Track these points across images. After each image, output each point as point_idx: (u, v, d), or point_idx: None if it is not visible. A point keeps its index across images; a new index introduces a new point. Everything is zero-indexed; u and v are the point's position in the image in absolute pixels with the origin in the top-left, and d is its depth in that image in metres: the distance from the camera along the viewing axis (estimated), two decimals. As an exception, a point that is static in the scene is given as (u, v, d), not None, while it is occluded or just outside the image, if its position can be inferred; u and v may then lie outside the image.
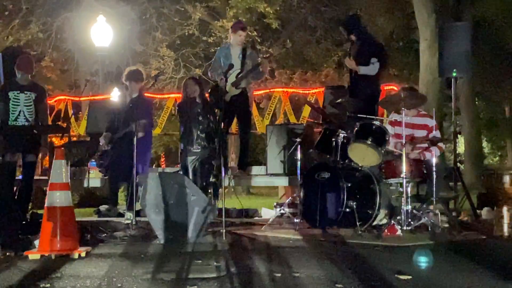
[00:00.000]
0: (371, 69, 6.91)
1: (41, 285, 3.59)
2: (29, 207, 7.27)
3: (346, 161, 6.20)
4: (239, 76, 7.54)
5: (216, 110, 6.75)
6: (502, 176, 5.71)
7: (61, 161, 4.84)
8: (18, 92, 6.57)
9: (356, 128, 6.11)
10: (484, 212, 7.23)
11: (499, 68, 18.24)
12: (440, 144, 6.39)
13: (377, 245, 5.12)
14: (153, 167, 13.17)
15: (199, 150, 6.74)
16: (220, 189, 6.44)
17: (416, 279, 3.67)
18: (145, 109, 7.01)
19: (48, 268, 4.18)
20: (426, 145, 6.40)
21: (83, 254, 4.63)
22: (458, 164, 8.50)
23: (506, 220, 5.48)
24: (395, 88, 10.40)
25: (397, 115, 6.41)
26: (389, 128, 6.33)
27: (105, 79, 13.49)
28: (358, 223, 5.71)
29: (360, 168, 6.19)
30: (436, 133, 6.49)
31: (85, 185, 9.17)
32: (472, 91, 18.29)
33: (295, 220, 6.38)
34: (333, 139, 6.20)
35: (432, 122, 6.55)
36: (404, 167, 5.82)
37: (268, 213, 8.00)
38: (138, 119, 6.42)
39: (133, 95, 7.06)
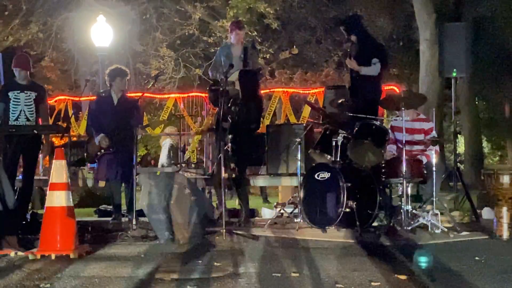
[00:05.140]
0: (373, 69, 6.90)
1: (41, 285, 3.59)
2: (29, 207, 7.27)
3: (346, 161, 6.20)
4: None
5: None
6: (502, 176, 5.69)
7: (61, 161, 4.84)
8: (18, 91, 6.57)
9: (356, 128, 6.12)
10: (484, 212, 7.23)
11: (499, 68, 18.22)
12: (436, 148, 6.35)
13: (377, 245, 5.12)
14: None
15: None
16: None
17: (416, 279, 3.67)
18: (139, 110, 7.00)
19: (48, 268, 4.18)
20: (422, 147, 6.41)
21: (83, 254, 4.63)
22: (458, 164, 8.50)
23: (506, 220, 5.47)
24: (395, 88, 10.42)
25: (397, 119, 6.42)
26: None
27: (105, 79, 13.47)
28: (358, 223, 5.71)
29: (360, 168, 6.19)
30: (432, 135, 6.48)
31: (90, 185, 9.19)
32: (472, 91, 18.30)
33: (295, 220, 6.38)
34: (333, 139, 6.20)
35: (428, 125, 6.56)
36: (404, 167, 5.83)
37: (268, 213, 8.00)
38: (137, 121, 6.45)
39: (119, 94, 6.99)
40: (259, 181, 8.55)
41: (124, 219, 6.92)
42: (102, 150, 6.82)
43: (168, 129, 11.44)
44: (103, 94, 7.21)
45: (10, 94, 6.56)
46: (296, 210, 6.53)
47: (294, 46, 8.01)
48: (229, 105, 6.79)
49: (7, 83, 6.92)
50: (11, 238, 4.95)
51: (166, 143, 10.77)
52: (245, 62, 7.58)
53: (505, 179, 5.61)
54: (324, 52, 18.62)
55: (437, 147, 6.45)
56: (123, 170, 6.72)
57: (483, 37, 15.72)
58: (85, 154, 7.10)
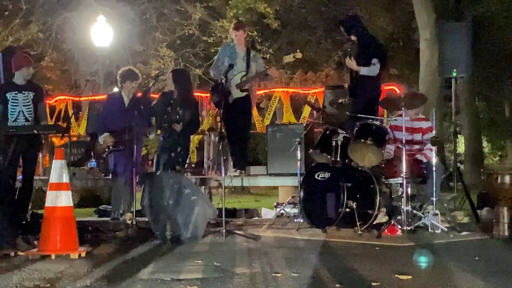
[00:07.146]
0: (372, 69, 6.91)
1: (41, 285, 3.59)
2: (29, 207, 7.27)
3: (346, 161, 6.20)
4: (245, 78, 7.52)
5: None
6: (502, 176, 5.69)
7: (61, 161, 4.84)
8: (16, 92, 6.57)
9: (356, 128, 6.12)
10: (484, 212, 7.22)
11: (499, 68, 18.24)
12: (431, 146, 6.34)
13: (377, 245, 5.12)
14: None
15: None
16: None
17: (416, 279, 3.67)
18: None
19: (48, 268, 4.18)
20: (420, 146, 6.41)
21: (83, 254, 4.64)
22: (458, 164, 8.50)
23: (506, 220, 5.47)
24: (395, 88, 10.41)
25: (397, 118, 6.42)
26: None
27: (105, 79, 13.47)
28: (358, 223, 5.71)
29: (360, 168, 6.19)
30: (430, 135, 6.48)
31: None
32: (472, 91, 18.32)
33: (295, 220, 6.38)
34: (333, 139, 6.20)
35: (426, 124, 6.56)
36: (404, 167, 5.83)
37: (268, 213, 8.00)
38: (148, 123, 6.51)
39: (130, 96, 7.05)
40: (260, 181, 8.55)
41: (123, 219, 6.92)
42: (110, 147, 6.86)
43: None
44: (114, 96, 7.26)
45: (8, 95, 6.55)
46: (296, 210, 6.53)
47: (298, 50, 7.98)
48: (169, 109, 6.92)
49: (5, 85, 6.91)
50: (18, 239, 4.96)
51: None
52: (248, 63, 7.59)
53: (505, 179, 5.61)
54: (324, 52, 18.59)
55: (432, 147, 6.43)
56: (129, 169, 6.72)
57: (483, 37, 15.72)
58: (91, 152, 7.13)
